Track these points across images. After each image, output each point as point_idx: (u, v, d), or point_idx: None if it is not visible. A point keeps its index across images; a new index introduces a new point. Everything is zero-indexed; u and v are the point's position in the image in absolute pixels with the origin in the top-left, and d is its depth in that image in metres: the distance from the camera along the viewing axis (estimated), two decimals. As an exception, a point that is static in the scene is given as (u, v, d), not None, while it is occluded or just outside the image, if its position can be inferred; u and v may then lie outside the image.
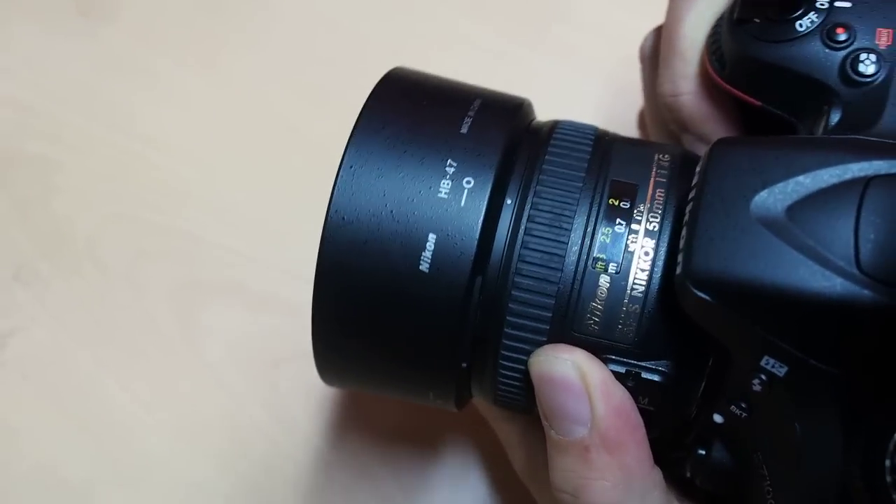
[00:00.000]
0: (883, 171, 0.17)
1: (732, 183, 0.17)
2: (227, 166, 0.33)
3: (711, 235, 0.17)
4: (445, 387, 0.21)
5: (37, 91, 0.35)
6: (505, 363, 0.20)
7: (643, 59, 0.25)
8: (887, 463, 0.16)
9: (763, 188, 0.17)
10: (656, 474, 0.19)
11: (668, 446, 0.21)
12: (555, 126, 0.21)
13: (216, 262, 0.32)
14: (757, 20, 0.21)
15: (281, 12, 0.36)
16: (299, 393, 0.30)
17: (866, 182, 0.17)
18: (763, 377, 0.17)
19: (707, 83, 0.22)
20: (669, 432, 0.21)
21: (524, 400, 0.20)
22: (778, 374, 0.17)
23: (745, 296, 0.17)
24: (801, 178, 0.17)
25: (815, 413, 0.17)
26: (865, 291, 0.16)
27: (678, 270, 0.17)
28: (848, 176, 0.17)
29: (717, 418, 0.19)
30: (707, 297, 0.17)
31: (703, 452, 0.20)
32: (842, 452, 0.17)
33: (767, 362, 0.17)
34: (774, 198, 0.17)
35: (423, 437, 0.30)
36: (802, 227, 0.17)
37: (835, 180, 0.17)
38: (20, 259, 0.32)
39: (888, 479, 0.16)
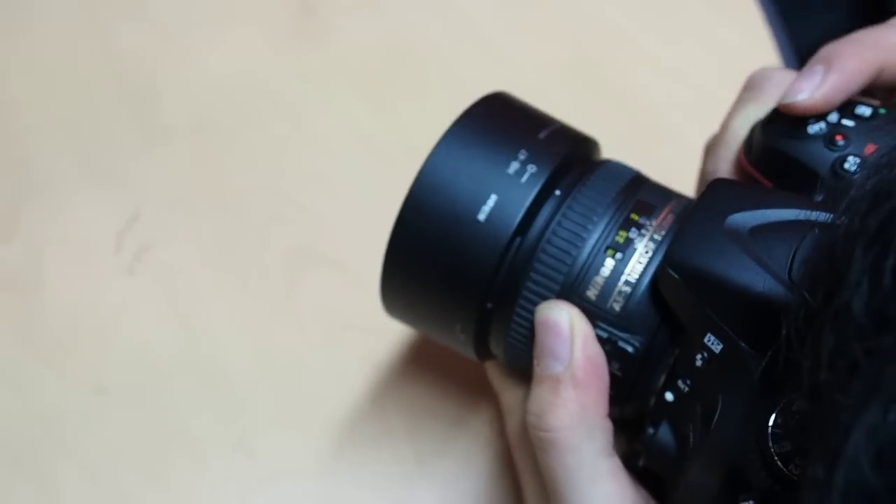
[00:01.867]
0: (823, 219, 0.22)
1: (716, 204, 0.23)
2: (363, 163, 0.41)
3: (691, 236, 0.23)
4: (470, 320, 0.26)
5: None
6: (519, 311, 0.25)
7: (706, 148, 0.31)
8: (770, 432, 0.21)
9: (737, 211, 0.23)
10: (607, 423, 0.24)
11: (629, 431, 0.26)
12: (608, 160, 0.28)
13: (332, 241, 0.39)
14: (782, 123, 0.27)
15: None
16: (355, 356, 0.36)
17: (813, 224, 0.22)
18: (704, 354, 0.22)
19: (738, 167, 0.28)
20: (631, 410, 0.25)
21: (527, 350, 0.26)
22: (715, 350, 0.22)
23: (703, 281, 0.22)
24: (767, 211, 0.23)
25: (736, 387, 0.22)
26: (789, 294, 0.21)
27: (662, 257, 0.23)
28: (802, 217, 0.22)
29: (668, 396, 0.24)
30: (676, 276, 0.23)
31: (652, 431, 0.25)
32: (747, 423, 0.21)
33: (709, 339, 0.22)
34: (744, 219, 0.23)
35: (448, 416, 0.35)
36: (758, 242, 0.22)
37: (791, 217, 0.22)
38: (180, 192, 0.41)
39: (772, 447, 0.21)
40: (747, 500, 0.20)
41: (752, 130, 0.28)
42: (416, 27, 0.46)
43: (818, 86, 0.25)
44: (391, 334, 0.36)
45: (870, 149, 0.25)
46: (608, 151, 0.30)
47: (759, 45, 0.44)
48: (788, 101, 0.25)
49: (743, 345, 0.22)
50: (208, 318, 0.38)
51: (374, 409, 0.35)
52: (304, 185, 0.41)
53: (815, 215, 0.22)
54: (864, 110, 0.26)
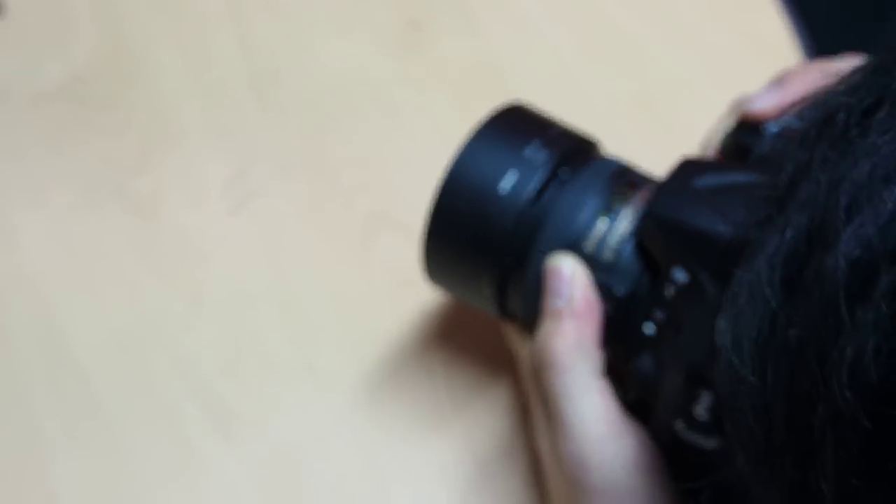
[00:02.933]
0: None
1: (685, 172, 0.29)
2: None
3: (664, 194, 0.29)
4: (493, 274, 0.32)
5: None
6: (532, 264, 0.31)
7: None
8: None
9: (701, 176, 0.29)
10: (598, 352, 0.30)
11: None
12: (605, 155, 0.34)
13: (405, 210, 0.46)
14: (747, 126, 0.32)
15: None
16: (411, 307, 0.42)
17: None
18: (673, 287, 0.28)
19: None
20: (620, 353, 0.31)
21: (538, 300, 0.31)
22: (681, 280, 0.28)
23: (672, 226, 0.28)
24: (723, 176, 0.29)
25: (697, 307, 0.27)
26: (737, 233, 0.26)
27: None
28: (751, 180, 0.28)
29: (647, 330, 0.29)
30: (652, 223, 0.28)
31: (635, 361, 0.30)
32: (705, 334, 0.27)
33: (677, 273, 0.28)
34: (705, 181, 0.29)
35: (481, 369, 0.41)
36: (715, 196, 0.28)
37: (742, 180, 0.28)
38: (285, 156, 0.48)
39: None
40: (707, 391, 0.26)
41: (726, 134, 0.34)
42: (503, 51, 0.53)
43: (770, 99, 0.31)
44: (444, 296, 0.43)
45: None
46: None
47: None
48: (747, 108, 0.32)
49: (702, 273, 0.27)
50: (294, 259, 0.45)
51: (421, 353, 0.41)
52: (389, 164, 0.48)
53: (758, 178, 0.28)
54: None
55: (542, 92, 0.49)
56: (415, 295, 0.43)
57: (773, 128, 0.31)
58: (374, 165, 0.48)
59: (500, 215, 0.32)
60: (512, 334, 0.36)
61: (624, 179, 0.32)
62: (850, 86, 0.18)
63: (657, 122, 0.49)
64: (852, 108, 0.17)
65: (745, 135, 0.32)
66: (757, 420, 0.17)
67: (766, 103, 0.32)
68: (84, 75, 0.54)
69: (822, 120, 0.18)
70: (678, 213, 0.28)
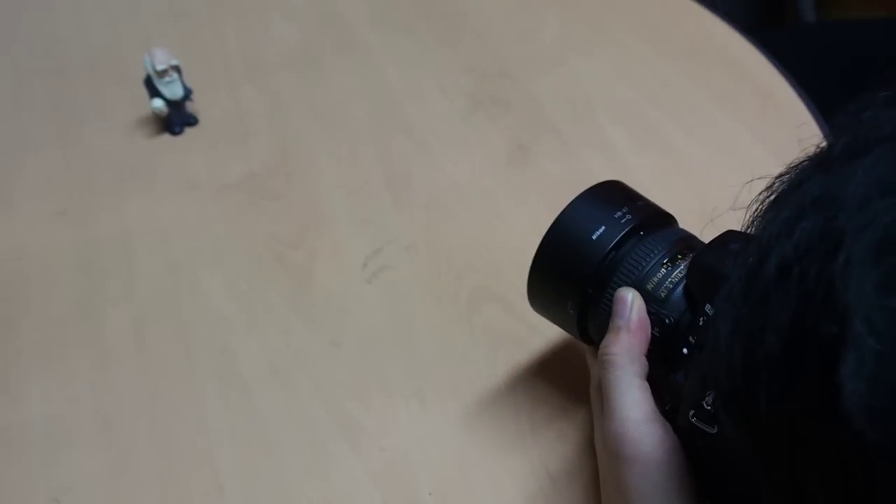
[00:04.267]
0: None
1: (724, 237, 0.39)
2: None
3: (707, 250, 0.39)
4: (577, 299, 0.43)
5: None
6: (608, 294, 0.42)
7: None
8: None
9: (736, 242, 0.39)
10: (644, 360, 0.39)
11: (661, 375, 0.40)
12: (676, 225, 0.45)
13: (503, 286, 0.57)
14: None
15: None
16: (504, 359, 0.53)
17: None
18: (704, 317, 0.37)
19: None
20: (662, 363, 0.40)
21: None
22: (710, 312, 0.37)
23: (706, 271, 0.38)
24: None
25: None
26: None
27: None
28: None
29: (684, 351, 0.39)
30: (695, 269, 0.39)
31: (673, 375, 0.39)
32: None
33: (708, 307, 0.37)
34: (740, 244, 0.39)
35: (558, 406, 0.50)
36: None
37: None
38: (411, 242, 0.61)
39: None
40: (711, 391, 0.35)
41: None
42: (590, 169, 0.65)
43: None
44: (530, 352, 0.53)
45: None
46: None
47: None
48: None
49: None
50: (413, 318, 0.56)
51: (509, 393, 0.51)
52: (492, 251, 0.60)
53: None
54: None
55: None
56: (507, 352, 0.53)
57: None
58: (481, 251, 0.60)
59: (588, 255, 0.42)
60: (588, 355, 0.46)
61: (686, 243, 0.43)
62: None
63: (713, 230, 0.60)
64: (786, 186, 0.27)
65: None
66: (724, 369, 0.27)
67: None
68: (258, 172, 0.69)
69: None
70: (712, 263, 0.38)
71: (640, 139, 0.69)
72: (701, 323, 0.38)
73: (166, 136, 0.73)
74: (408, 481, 0.48)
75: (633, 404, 0.38)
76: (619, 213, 0.43)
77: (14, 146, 0.73)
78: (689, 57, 0.78)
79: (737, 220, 0.51)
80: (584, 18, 0.84)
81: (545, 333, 0.53)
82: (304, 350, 0.55)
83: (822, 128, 0.68)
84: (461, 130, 0.71)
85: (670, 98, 0.73)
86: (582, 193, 0.45)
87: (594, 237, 0.43)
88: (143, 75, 0.70)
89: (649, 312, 0.40)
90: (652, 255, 0.42)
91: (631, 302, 0.40)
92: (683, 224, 0.46)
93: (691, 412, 0.35)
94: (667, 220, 0.45)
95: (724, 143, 0.68)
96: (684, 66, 0.76)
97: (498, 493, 0.47)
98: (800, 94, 0.72)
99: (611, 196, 0.45)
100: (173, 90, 0.71)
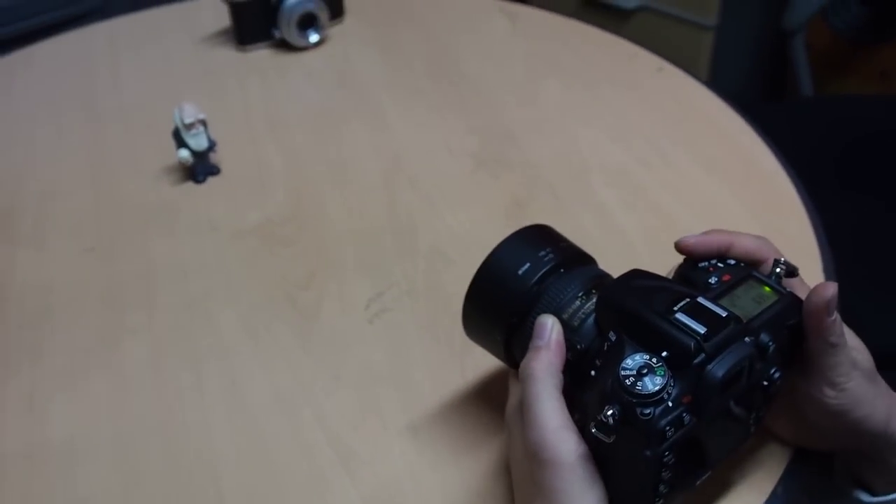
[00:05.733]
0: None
1: (631, 276, 0.45)
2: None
3: (612, 285, 0.44)
4: (503, 327, 0.47)
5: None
6: (530, 321, 0.46)
7: None
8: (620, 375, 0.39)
9: (641, 279, 0.44)
10: (561, 376, 0.43)
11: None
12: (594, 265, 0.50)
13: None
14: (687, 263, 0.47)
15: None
16: (494, 406, 0.57)
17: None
18: (607, 343, 0.41)
19: None
20: (573, 384, 0.44)
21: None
22: (612, 339, 0.41)
23: (610, 303, 0.43)
24: (652, 281, 0.44)
25: (614, 356, 0.40)
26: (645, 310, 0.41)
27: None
28: (672, 287, 0.43)
29: (592, 373, 0.42)
30: (601, 302, 0.44)
31: (580, 393, 0.42)
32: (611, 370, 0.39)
33: (611, 335, 0.41)
34: (640, 282, 0.43)
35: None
36: (641, 291, 0.42)
37: (666, 286, 0.43)
38: (412, 286, 0.65)
39: (622, 380, 0.38)
40: (612, 407, 0.38)
41: (680, 265, 0.48)
42: (583, 227, 0.70)
43: (692, 239, 0.47)
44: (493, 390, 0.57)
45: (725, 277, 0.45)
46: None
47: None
48: (679, 240, 0.47)
49: (624, 335, 0.41)
50: (410, 357, 0.60)
51: (496, 428, 0.55)
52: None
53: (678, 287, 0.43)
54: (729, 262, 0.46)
55: (608, 255, 0.65)
56: (497, 390, 0.57)
57: (702, 264, 0.46)
58: (476, 297, 0.65)
59: (513, 289, 0.47)
60: (511, 377, 0.50)
61: (600, 280, 0.47)
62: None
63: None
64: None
65: (687, 266, 0.47)
66: None
67: (690, 240, 0.47)
68: (273, 219, 0.74)
69: None
70: (614, 297, 0.43)
71: (630, 200, 0.74)
72: (605, 348, 0.42)
73: (190, 184, 0.79)
74: (398, 505, 0.52)
75: (552, 413, 0.41)
76: (542, 252, 0.48)
77: (51, 188, 0.79)
78: (679, 125, 0.83)
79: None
80: (584, 87, 0.90)
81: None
82: (307, 382, 0.59)
83: (798, 192, 0.73)
84: (464, 186, 0.76)
85: (660, 163, 0.78)
86: (511, 234, 0.50)
87: (519, 272, 0.47)
88: (171, 127, 0.76)
89: (565, 338, 0.45)
90: (569, 289, 0.46)
91: (551, 326, 0.45)
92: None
93: (592, 424, 0.39)
94: (586, 260, 0.50)
95: (709, 205, 0.72)
96: (674, 134, 0.82)
97: (479, 516, 0.51)
98: (781, 162, 0.77)
99: (537, 237, 0.50)
100: (199, 142, 0.76)
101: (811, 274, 0.64)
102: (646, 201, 0.73)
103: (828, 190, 0.79)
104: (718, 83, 0.90)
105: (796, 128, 1.18)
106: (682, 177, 0.76)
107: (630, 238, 0.70)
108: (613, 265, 0.51)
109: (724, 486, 0.49)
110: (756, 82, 1.77)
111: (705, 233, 0.47)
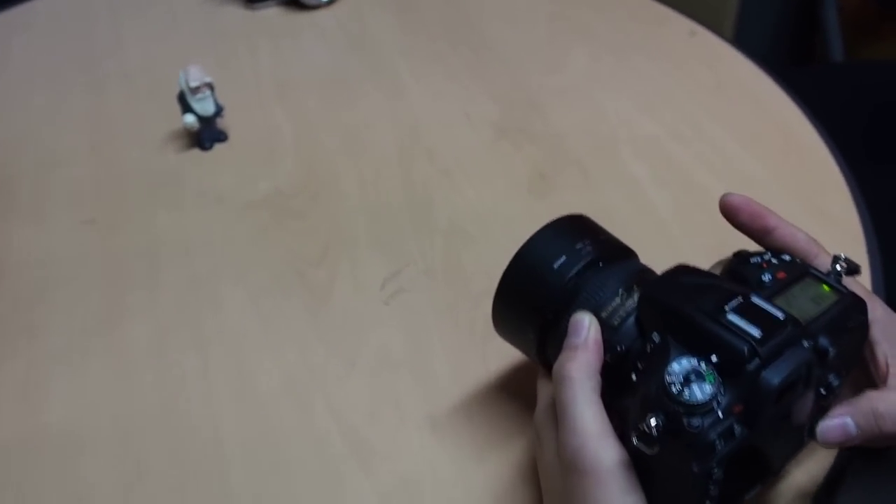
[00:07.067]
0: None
1: (678, 272, 0.41)
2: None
3: (657, 282, 0.40)
4: (537, 325, 0.44)
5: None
6: (567, 318, 0.42)
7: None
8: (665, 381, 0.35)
9: (685, 276, 0.40)
10: (598, 378, 0.39)
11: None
12: (635, 259, 0.46)
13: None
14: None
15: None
16: (517, 393, 0.53)
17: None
18: (650, 345, 0.38)
19: None
20: (612, 388, 0.40)
21: None
22: (656, 340, 0.37)
23: (654, 302, 0.39)
24: (706, 279, 0.40)
25: (659, 360, 0.36)
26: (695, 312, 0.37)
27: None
28: (719, 284, 0.39)
29: (633, 377, 0.38)
30: (644, 300, 0.40)
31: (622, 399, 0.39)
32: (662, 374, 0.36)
33: (654, 335, 0.38)
34: (688, 279, 0.40)
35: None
36: (689, 289, 0.39)
37: (715, 283, 0.39)
38: (430, 266, 0.61)
39: (667, 386, 0.35)
40: (656, 415, 0.35)
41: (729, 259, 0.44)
42: (611, 203, 0.66)
43: (738, 199, 0.46)
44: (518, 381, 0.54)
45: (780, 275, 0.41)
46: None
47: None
48: (722, 196, 0.46)
49: (669, 337, 0.37)
50: (428, 342, 0.57)
51: (520, 422, 0.52)
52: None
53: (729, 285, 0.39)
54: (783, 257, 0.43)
55: (638, 234, 0.61)
56: (519, 380, 0.54)
57: (754, 259, 0.42)
58: (498, 278, 0.61)
59: (549, 283, 0.43)
60: (540, 378, 0.46)
61: (642, 276, 0.43)
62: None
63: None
64: None
65: (737, 261, 0.43)
66: None
67: (735, 199, 0.45)
68: (284, 191, 0.70)
69: None
70: (659, 294, 0.39)
71: (662, 174, 0.69)
72: (648, 350, 0.38)
73: (196, 151, 0.75)
74: (416, 503, 0.48)
75: (591, 418, 0.38)
76: (580, 245, 0.44)
77: (49, 157, 0.75)
78: (713, 94, 0.78)
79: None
80: (611, 53, 0.85)
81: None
82: (319, 368, 0.56)
83: (841, 168, 0.69)
84: (484, 158, 0.72)
85: (693, 134, 0.73)
86: (546, 225, 0.46)
87: (555, 266, 0.43)
88: (176, 91, 0.72)
89: (603, 339, 0.41)
90: (608, 286, 0.42)
91: (588, 324, 0.41)
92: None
93: (633, 434, 0.35)
94: (626, 254, 0.46)
95: (745, 180, 0.68)
96: (708, 103, 0.77)
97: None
98: (821, 134, 0.72)
99: (573, 229, 0.46)
100: (205, 107, 0.72)
101: (855, 257, 0.60)
102: (678, 176, 0.69)
103: (857, 161, 0.74)
104: (743, 44, 0.84)
105: (825, 94, 1.13)
106: (716, 150, 0.71)
107: (662, 216, 0.65)
108: (644, 246, 0.47)
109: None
110: (781, 44, 1.71)
111: (753, 201, 0.44)
